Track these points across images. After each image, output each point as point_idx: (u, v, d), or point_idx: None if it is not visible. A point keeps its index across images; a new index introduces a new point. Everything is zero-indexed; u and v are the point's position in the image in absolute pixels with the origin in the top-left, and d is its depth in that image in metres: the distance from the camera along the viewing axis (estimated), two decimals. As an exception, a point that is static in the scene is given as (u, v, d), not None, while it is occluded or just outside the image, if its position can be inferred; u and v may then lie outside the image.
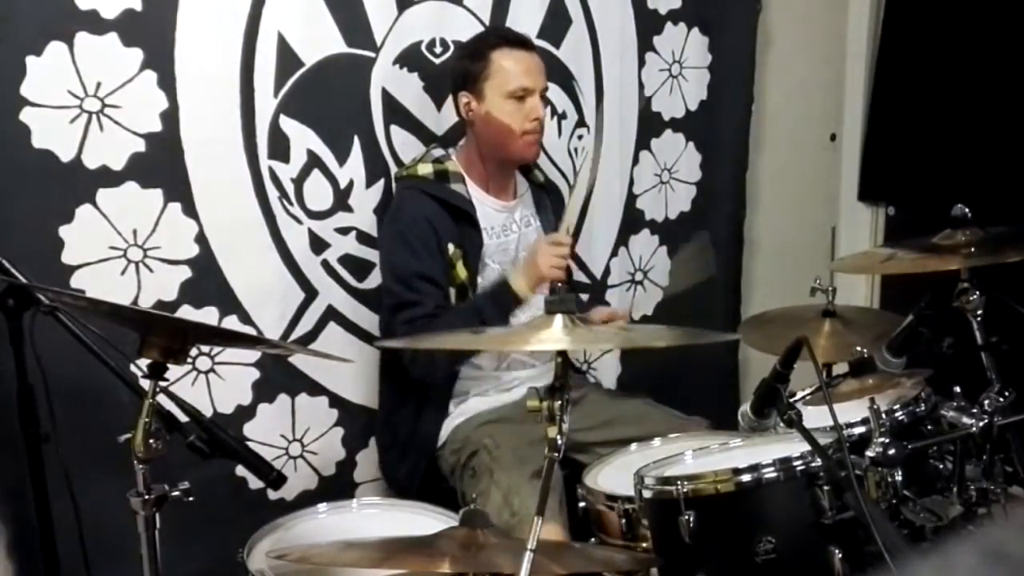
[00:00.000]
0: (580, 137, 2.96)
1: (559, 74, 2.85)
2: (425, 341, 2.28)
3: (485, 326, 2.21)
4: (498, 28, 2.61)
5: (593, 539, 2.05)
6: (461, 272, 2.38)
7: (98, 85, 2.18)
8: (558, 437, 1.54)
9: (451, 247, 2.37)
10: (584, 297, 2.92)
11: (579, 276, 2.95)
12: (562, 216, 2.43)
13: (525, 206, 2.57)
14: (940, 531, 1.89)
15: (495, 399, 2.49)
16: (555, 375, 1.58)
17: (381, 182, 2.58)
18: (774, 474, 1.74)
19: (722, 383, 3.39)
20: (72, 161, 2.17)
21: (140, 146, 2.25)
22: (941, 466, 2.04)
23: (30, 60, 2.10)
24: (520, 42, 2.42)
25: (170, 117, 2.27)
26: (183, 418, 1.77)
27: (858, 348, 2.03)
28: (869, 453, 1.83)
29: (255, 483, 2.31)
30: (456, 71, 2.46)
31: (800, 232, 3.63)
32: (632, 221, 3.10)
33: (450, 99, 2.52)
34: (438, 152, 2.47)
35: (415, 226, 2.35)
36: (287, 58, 2.40)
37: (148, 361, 1.61)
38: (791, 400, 1.73)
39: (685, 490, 1.76)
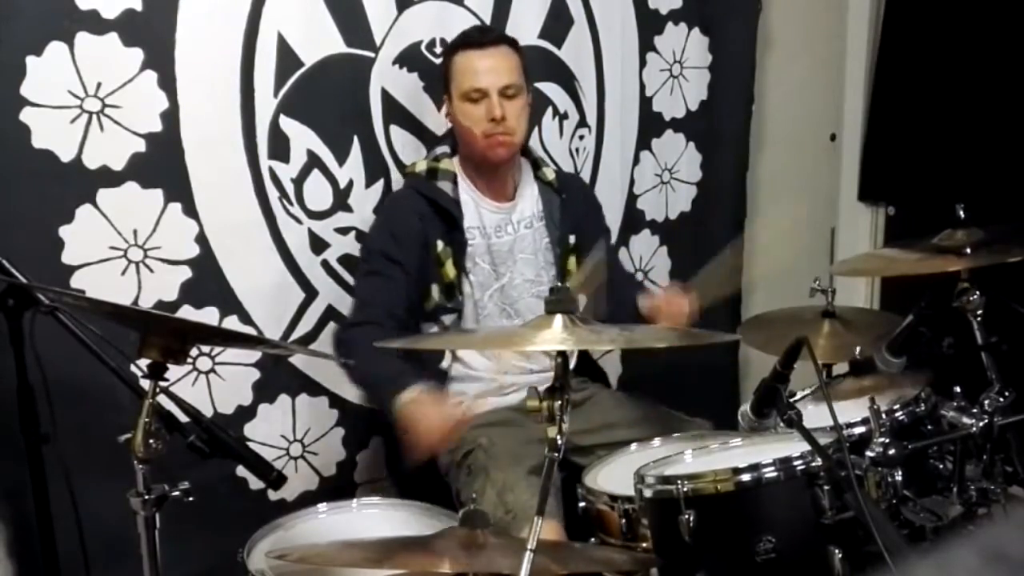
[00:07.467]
0: (581, 137, 2.96)
1: (561, 74, 2.86)
2: (424, 341, 2.27)
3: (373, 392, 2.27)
4: (468, 29, 2.50)
5: (593, 539, 2.05)
6: (450, 271, 2.35)
7: (98, 85, 2.18)
8: (558, 437, 1.54)
9: (440, 244, 2.35)
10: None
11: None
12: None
13: (528, 207, 2.49)
14: (940, 531, 1.89)
15: (492, 402, 2.47)
16: (555, 375, 1.57)
17: (381, 182, 2.58)
18: (774, 474, 1.74)
19: (722, 383, 3.39)
20: (72, 161, 2.17)
21: (140, 146, 2.25)
22: (941, 466, 2.04)
23: (30, 60, 2.10)
24: (476, 42, 2.35)
25: (170, 117, 2.27)
26: (183, 418, 1.77)
27: (858, 348, 2.03)
28: (869, 453, 1.83)
29: (255, 483, 2.31)
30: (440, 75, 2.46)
31: (800, 232, 3.63)
32: (633, 221, 3.11)
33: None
34: (440, 150, 2.45)
35: (404, 220, 2.35)
36: (287, 58, 2.40)
37: (148, 361, 1.61)
38: (791, 400, 1.73)
39: (685, 489, 1.75)
